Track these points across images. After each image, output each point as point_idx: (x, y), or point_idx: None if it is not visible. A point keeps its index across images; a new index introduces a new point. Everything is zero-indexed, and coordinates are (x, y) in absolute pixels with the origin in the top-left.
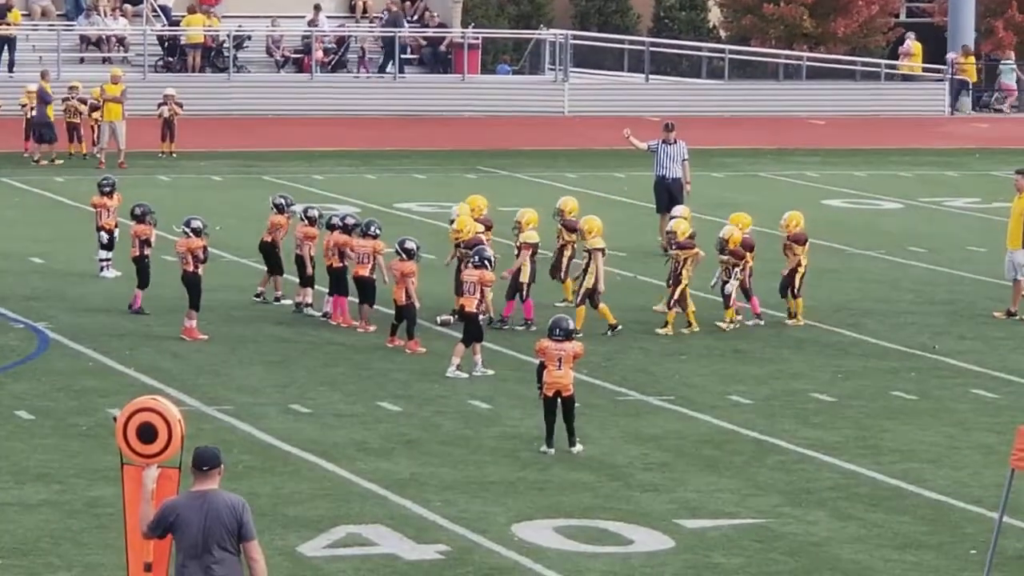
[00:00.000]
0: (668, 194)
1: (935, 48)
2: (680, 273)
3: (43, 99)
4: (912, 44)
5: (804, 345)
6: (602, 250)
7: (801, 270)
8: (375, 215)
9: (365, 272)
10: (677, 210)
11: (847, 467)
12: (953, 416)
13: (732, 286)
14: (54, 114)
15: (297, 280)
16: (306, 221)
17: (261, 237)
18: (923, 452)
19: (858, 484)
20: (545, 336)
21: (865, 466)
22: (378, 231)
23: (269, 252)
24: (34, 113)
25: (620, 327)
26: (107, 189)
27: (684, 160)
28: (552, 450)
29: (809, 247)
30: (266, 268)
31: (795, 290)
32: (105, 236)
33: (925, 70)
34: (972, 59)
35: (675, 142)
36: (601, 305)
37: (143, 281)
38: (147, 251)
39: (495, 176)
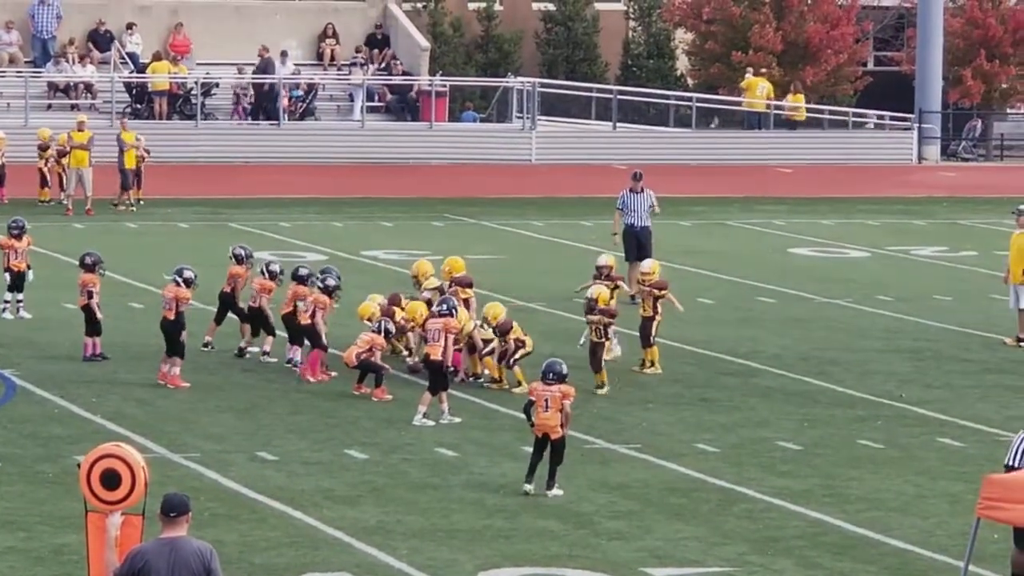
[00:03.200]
0: (637, 242)
1: (904, 97)
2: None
3: (120, 148)
4: (748, 80)
5: (771, 393)
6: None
7: (658, 318)
8: (342, 263)
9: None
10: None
11: (814, 515)
12: (920, 465)
13: (609, 345)
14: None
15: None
16: (266, 275)
17: (222, 287)
18: (890, 501)
19: (825, 532)
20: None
21: (832, 514)
22: (318, 280)
23: (227, 302)
24: (2, 160)
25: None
26: (16, 232)
27: (651, 206)
28: (531, 487)
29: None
30: (215, 317)
31: (651, 339)
32: (9, 277)
33: (893, 119)
34: (800, 97)
35: (642, 191)
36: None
37: (93, 329)
38: (93, 300)
39: (462, 224)
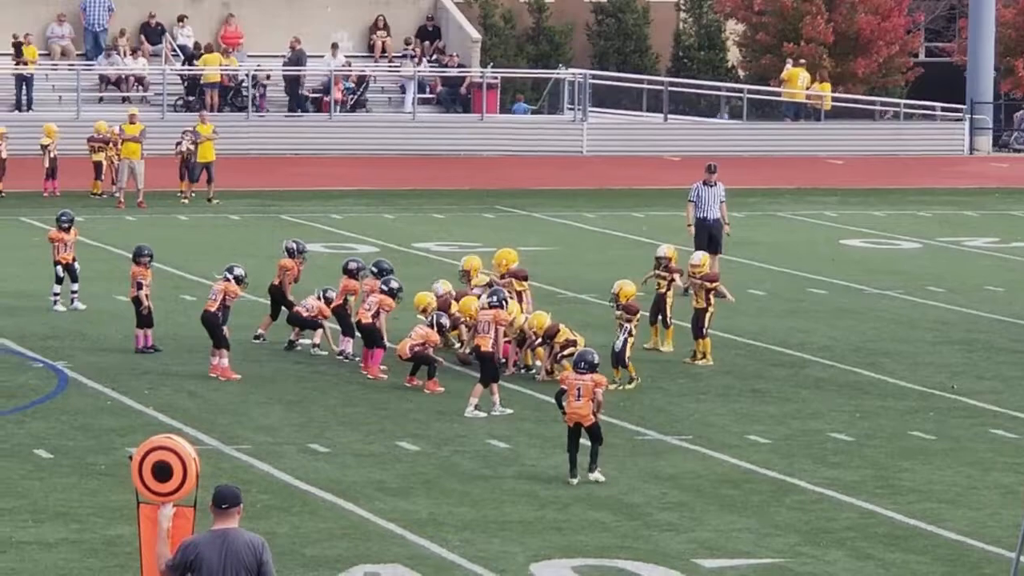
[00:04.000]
0: (708, 235)
1: (955, 88)
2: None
3: (195, 140)
4: (789, 71)
5: (822, 385)
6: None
7: (711, 310)
8: (393, 255)
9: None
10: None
11: (865, 507)
12: (972, 456)
13: (626, 343)
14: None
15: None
16: (322, 299)
17: (272, 280)
18: (941, 492)
19: (876, 524)
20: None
21: (883, 506)
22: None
23: (276, 296)
24: (55, 153)
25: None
26: (66, 224)
27: (722, 202)
28: (575, 480)
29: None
30: (270, 312)
31: (703, 330)
32: (60, 270)
33: (944, 110)
34: (827, 86)
35: (715, 184)
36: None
37: (144, 321)
38: (143, 292)
39: (513, 216)
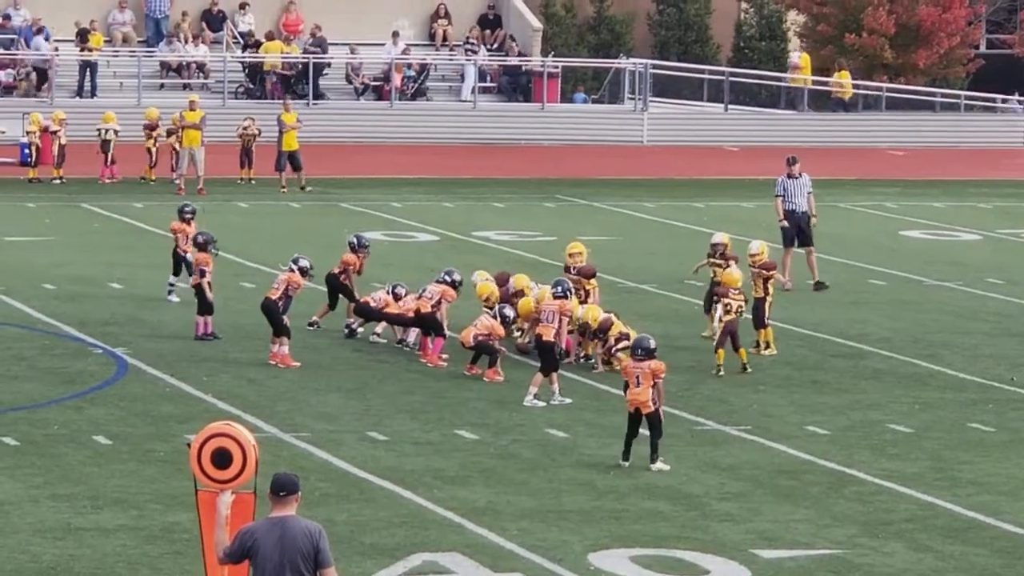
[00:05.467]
0: (798, 227)
1: (1016, 80)
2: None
3: (280, 129)
4: (800, 57)
5: (882, 376)
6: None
7: (769, 299)
8: (453, 243)
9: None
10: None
11: (924, 499)
12: None
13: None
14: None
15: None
16: (391, 295)
17: (331, 269)
18: (1001, 484)
19: (935, 516)
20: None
21: (942, 498)
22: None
23: (335, 286)
24: (108, 137)
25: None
26: (188, 216)
27: (809, 192)
28: (627, 463)
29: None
30: (328, 301)
31: (764, 320)
32: (177, 261)
33: (1004, 102)
34: (846, 74)
35: (800, 175)
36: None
37: (205, 308)
38: (205, 279)
39: (573, 205)
